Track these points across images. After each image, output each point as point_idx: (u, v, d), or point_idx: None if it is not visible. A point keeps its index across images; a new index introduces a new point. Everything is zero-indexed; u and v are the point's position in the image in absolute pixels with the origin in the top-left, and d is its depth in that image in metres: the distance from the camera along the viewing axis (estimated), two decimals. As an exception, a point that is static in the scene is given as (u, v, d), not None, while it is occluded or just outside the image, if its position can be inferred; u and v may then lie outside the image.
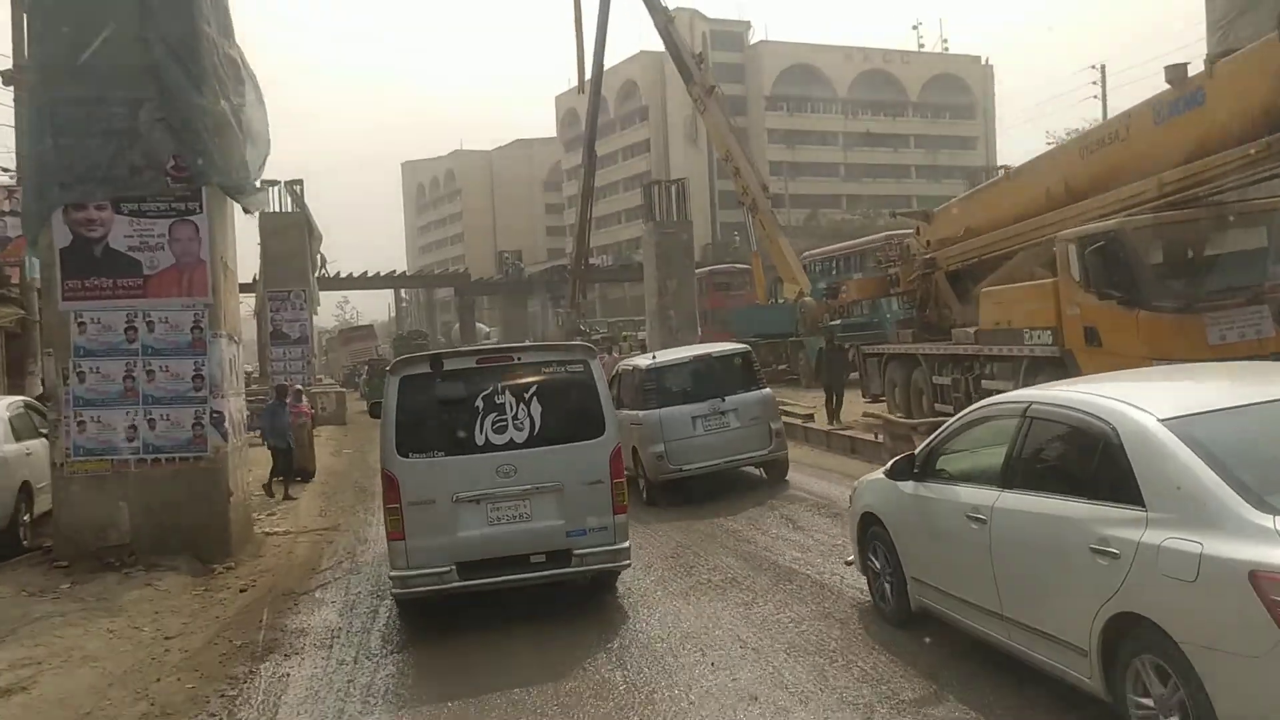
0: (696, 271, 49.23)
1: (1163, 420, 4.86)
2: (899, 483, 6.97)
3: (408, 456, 8.16)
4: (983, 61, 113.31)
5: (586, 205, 57.83)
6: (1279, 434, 4.88)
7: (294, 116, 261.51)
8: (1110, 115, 52.94)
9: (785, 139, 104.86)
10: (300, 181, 38.66)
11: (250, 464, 14.07)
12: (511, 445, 8.24)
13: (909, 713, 5.81)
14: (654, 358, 14.38)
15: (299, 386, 22.43)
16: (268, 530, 13.76)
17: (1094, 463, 5.18)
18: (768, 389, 14.19)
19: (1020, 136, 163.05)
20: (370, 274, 64.16)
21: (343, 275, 63.21)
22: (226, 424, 11.63)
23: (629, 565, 8.93)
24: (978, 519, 5.91)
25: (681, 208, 42.23)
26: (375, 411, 9.56)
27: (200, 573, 10.92)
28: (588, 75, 50.28)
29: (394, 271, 67.58)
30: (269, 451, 17.25)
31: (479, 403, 8.27)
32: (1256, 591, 4.03)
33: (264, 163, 12.61)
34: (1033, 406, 5.87)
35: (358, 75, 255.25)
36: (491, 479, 8.16)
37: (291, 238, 37.95)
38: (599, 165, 79.20)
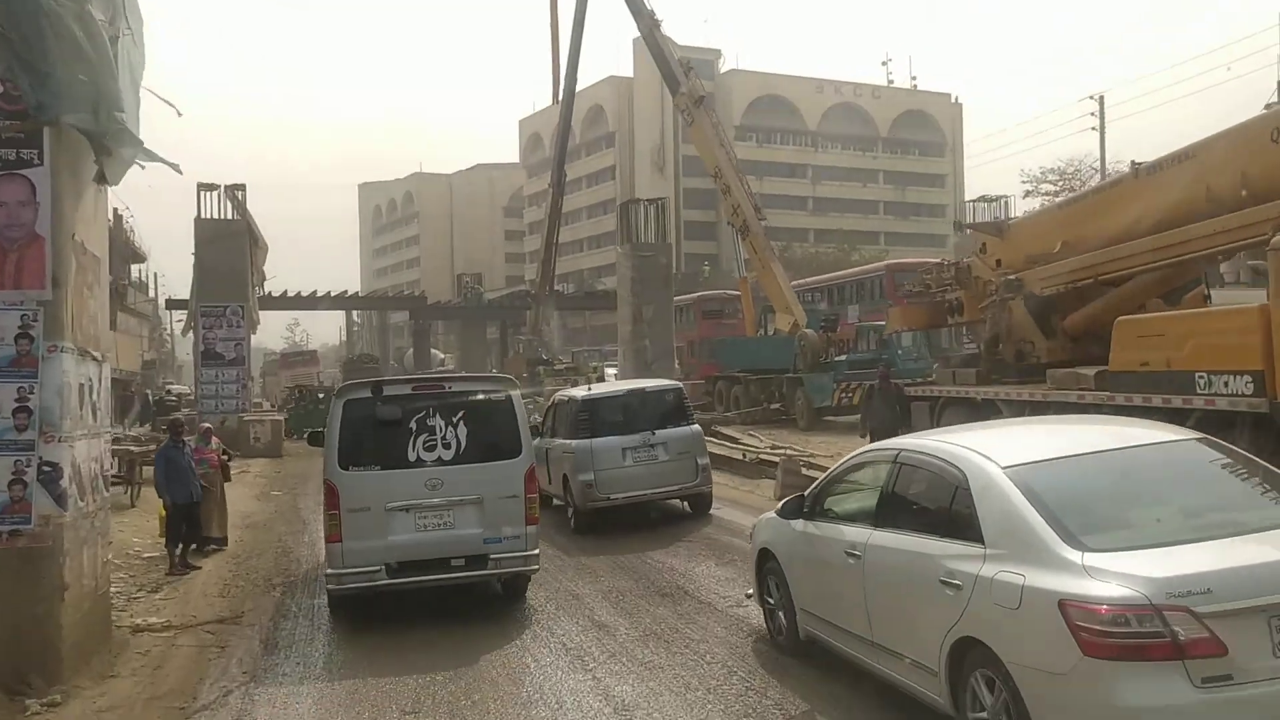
0: (683, 298, 45.79)
1: (1004, 468, 5.49)
2: (790, 521, 7.48)
3: (348, 469, 9.23)
4: (952, 99, 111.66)
5: (554, 225, 54.28)
6: (1101, 481, 5.56)
7: (242, 128, 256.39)
8: (1104, 149, 51.70)
9: (754, 170, 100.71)
10: (242, 187, 34.55)
11: (113, 535, 10.13)
12: (439, 462, 9.39)
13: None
14: (589, 389, 14.94)
15: (206, 424, 18.02)
16: (139, 624, 9.74)
17: (948, 505, 5.76)
18: (697, 425, 14.73)
19: (987, 174, 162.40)
20: (320, 294, 59.78)
21: (291, 294, 58.79)
22: (65, 481, 7.69)
23: (538, 570, 10.06)
24: (854, 554, 6.47)
25: (661, 228, 38.66)
26: (315, 441, 10.27)
27: (3, 711, 7.01)
28: (562, 85, 46.69)
29: (345, 292, 63.22)
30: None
31: (413, 424, 9.38)
32: (1064, 618, 4.66)
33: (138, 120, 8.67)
34: (901, 454, 6.49)
35: (313, 92, 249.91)
36: (420, 491, 9.26)
37: (230, 248, 33.79)
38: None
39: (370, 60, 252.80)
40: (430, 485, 9.27)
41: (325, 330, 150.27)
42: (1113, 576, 4.62)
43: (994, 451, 5.67)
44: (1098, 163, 51.81)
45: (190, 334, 35.61)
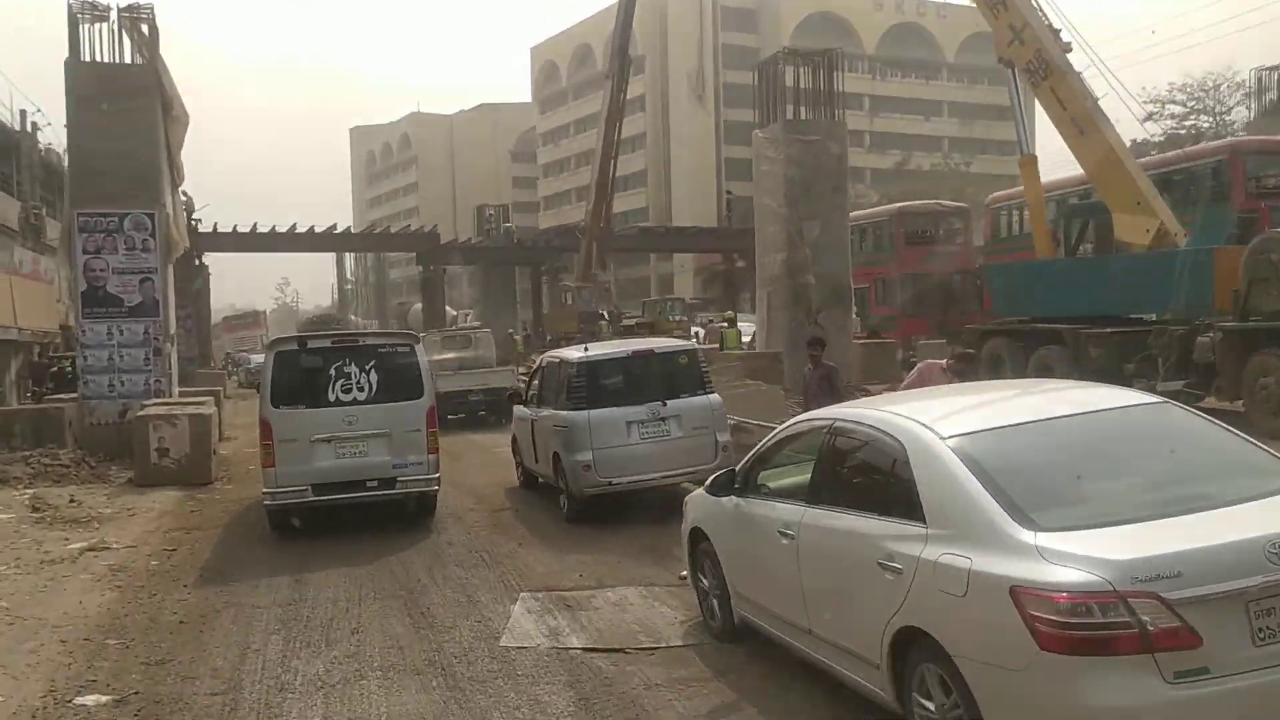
0: (863, 214, 31.45)
1: (946, 438, 4.89)
2: (721, 498, 6.72)
3: (279, 407, 10.94)
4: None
5: (612, 137, 39.56)
6: (1057, 452, 4.93)
7: (215, 65, 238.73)
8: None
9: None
10: (150, 10, 19.86)
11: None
12: (355, 402, 11.02)
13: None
14: (585, 349, 12.09)
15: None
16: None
17: (885, 479, 5.24)
18: (716, 394, 11.68)
19: None
20: (305, 229, 45.14)
21: (264, 230, 44.18)
22: None
23: (438, 490, 11.63)
24: (788, 534, 5.84)
25: (830, 101, 24.05)
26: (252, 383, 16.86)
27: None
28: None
29: (335, 227, 48.47)
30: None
31: (332, 371, 11.03)
32: (1016, 607, 4.04)
33: None
34: (836, 423, 5.88)
35: (298, 28, 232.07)
36: (339, 425, 10.92)
37: (129, 113, 19.26)
38: (581, 128, 59.03)
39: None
40: (347, 421, 10.88)
41: (317, 287, 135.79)
42: (1070, 559, 4.02)
43: (936, 420, 5.10)
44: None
45: (65, 265, 20.87)
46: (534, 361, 36.51)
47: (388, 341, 11.81)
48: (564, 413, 11.29)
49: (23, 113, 37.52)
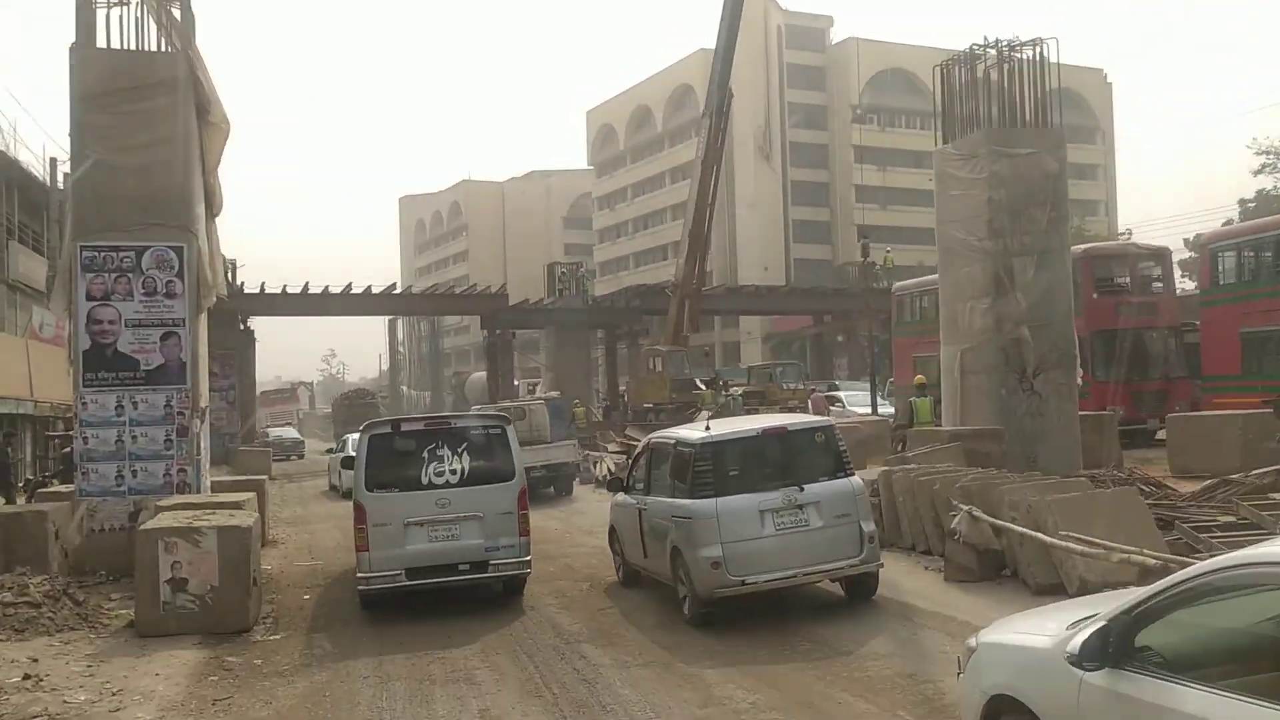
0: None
1: None
2: (1083, 668, 4.80)
3: (373, 491, 10.80)
4: (1104, 77, 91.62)
5: (709, 181, 34.64)
6: None
7: (257, 144, 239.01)
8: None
9: (875, 158, 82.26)
10: (184, -13, 15.15)
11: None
12: (448, 485, 10.86)
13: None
14: (708, 428, 10.35)
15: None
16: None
17: None
18: (857, 477, 10.16)
19: (1141, 167, 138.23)
20: (362, 290, 40.37)
21: (315, 292, 39.48)
22: None
23: (529, 573, 11.31)
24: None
25: (1044, 105, 18.76)
26: (348, 464, 14.53)
27: None
28: None
29: (393, 287, 43.64)
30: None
31: (425, 454, 10.92)
32: None
33: None
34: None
35: (350, 92, 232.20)
36: (432, 509, 10.77)
37: (153, 115, 14.48)
38: (636, 193, 53.52)
39: (405, 65, 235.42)
40: (440, 504, 10.75)
41: (365, 359, 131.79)
42: None
43: None
44: None
45: (65, 313, 15.84)
46: (602, 437, 31.56)
47: (479, 423, 11.72)
48: (685, 501, 9.86)
49: (53, 161, 33.23)
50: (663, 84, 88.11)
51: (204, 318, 15.54)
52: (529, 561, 11.09)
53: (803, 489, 9.52)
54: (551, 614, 10.75)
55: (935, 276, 34.96)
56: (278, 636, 10.33)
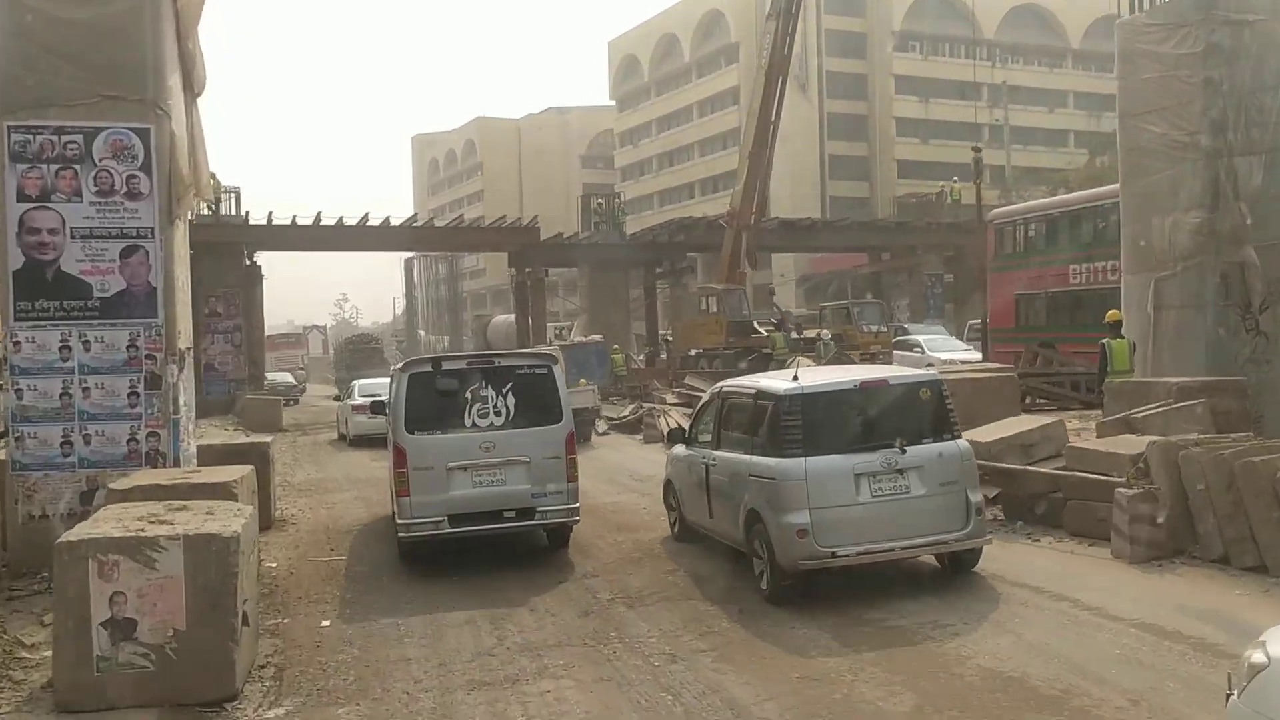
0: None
1: None
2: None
3: (413, 433, 10.04)
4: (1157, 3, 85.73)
5: (773, 94, 30.29)
6: None
7: (267, 77, 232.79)
8: None
9: (917, 89, 77.35)
10: None
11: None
12: (492, 427, 10.13)
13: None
14: (795, 378, 8.90)
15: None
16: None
17: None
18: (964, 440, 8.86)
19: None
20: (380, 221, 36.30)
21: (338, 223, 35.49)
22: None
23: (578, 521, 10.59)
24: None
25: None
26: (379, 409, 13.29)
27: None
28: None
29: (413, 220, 39.43)
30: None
31: (468, 394, 10.15)
32: None
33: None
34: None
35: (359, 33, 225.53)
36: (476, 452, 10.03)
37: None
38: (661, 128, 48.48)
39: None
40: (484, 447, 9.98)
41: (380, 306, 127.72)
42: None
43: None
44: None
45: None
46: (651, 387, 27.76)
47: (525, 362, 10.86)
48: (768, 460, 8.59)
49: None
50: (690, 10, 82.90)
51: (182, 229, 11.56)
52: (577, 509, 10.43)
53: (904, 451, 8.36)
54: (617, 561, 10.23)
55: (1041, 202, 30.92)
56: (281, 711, 6.47)
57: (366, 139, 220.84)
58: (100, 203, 10.55)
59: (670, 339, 38.02)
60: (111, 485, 9.05)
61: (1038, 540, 9.74)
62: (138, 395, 10.55)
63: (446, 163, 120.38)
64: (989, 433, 10.92)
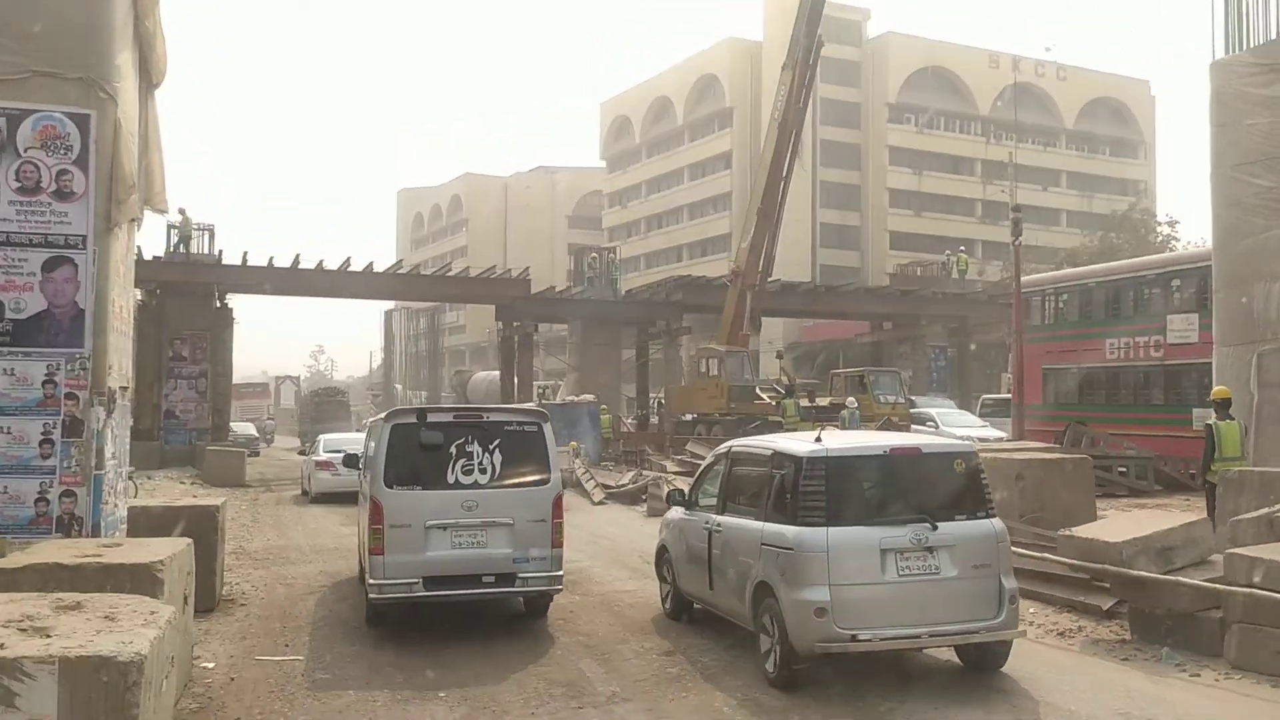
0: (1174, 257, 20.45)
1: None
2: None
3: (393, 488, 9.29)
4: (1149, 90, 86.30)
5: (785, 147, 28.80)
6: None
7: (255, 133, 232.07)
8: None
9: (911, 162, 76.71)
10: None
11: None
12: (476, 485, 9.43)
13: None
14: (819, 439, 8.13)
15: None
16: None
17: None
18: (998, 519, 8.00)
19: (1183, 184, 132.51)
20: (364, 267, 34.24)
21: (318, 267, 33.42)
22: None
23: (561, 590, 9.83)
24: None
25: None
26: (351, 463, 11.93)
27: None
28: None
29: (399, 265, 37.38)
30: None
31: (453, 449, 9.45)
32: None
33: None
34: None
35: (346, 89, 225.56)
36: (457, 511, 9.32)
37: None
38: (650, 190, 47.19)
39: (406, 58, 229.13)
40: (466, 506, 9.37)
41: (356, 358, 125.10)
42: None
43: None
44: None
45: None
46: (641, 454, 25.76)
47: (514, 418, 10.13)
48: (784, 528, 7.75)
49: None
50: (685, 74, 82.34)
51: (123, 242, 9.43)
52: (561, 577, 9.77)
53: (935, 527, 7.58)
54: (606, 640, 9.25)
55: (1075, 271, 29.26)
56: None
57: (351, 192, 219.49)
58: (21, 202, 8.46)
59: (663, 402, 35.96)
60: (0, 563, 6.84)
61: (1196, 675, 7.60)
62: (52, 444, 8.37)
63: (432, 217, 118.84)
64: (1111, 530, 8.89)
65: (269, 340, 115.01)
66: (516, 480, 9.56)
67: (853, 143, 77.87)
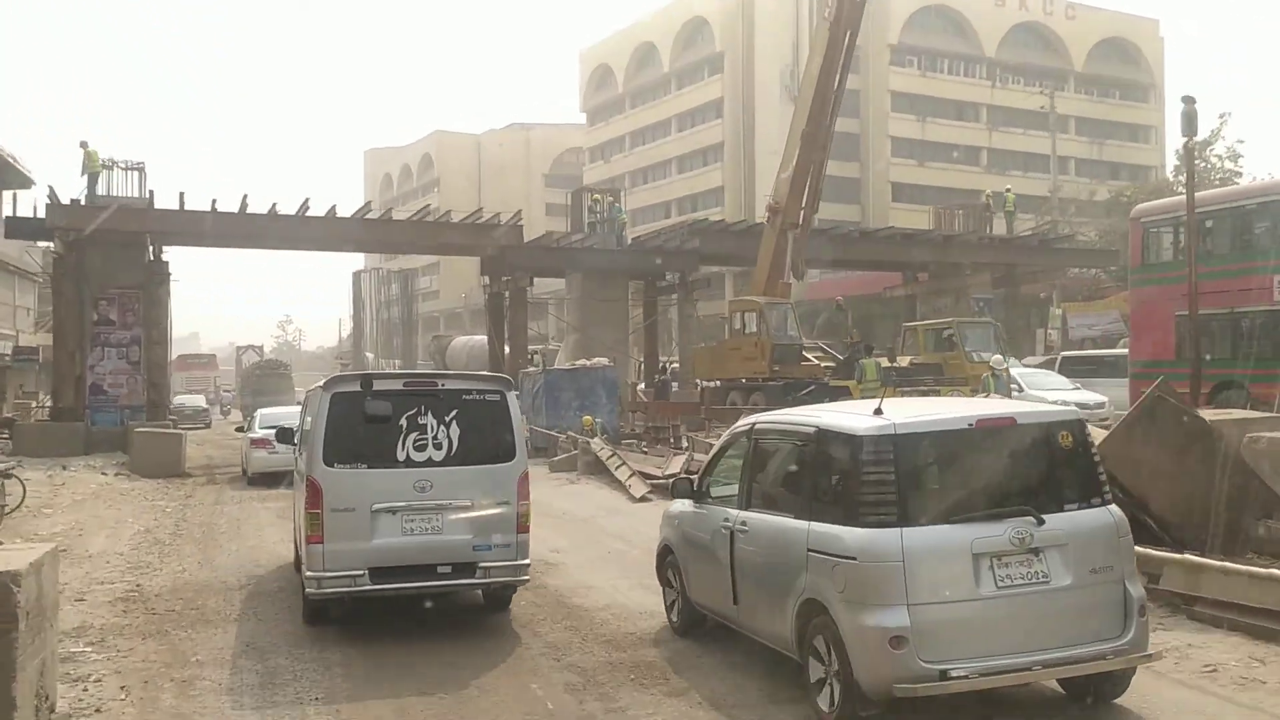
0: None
1: None
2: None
3: (333, 466, 8.23)
4: (1158, 30, 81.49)
5: (836, 58, 23.41)
6: None
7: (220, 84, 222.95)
8: None
9: (914, 107, 71.58)
10: None
11: None
12: (430, 463, 8.34)
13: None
14: (879, 411, 6.13)
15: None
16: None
17: None
18: (1115, 506, 6.22)
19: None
20: (326, 211, 28.70)
21: (271, 210, 27.86)
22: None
23: (527, 581, 8.91)
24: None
25: None
26: (285, 438, 10.68)
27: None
28: None
29: (367, 208, 31.80)
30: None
31: (403, 422, 8.32)
32: None
33: None
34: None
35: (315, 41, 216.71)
36: (409, 492, 8.25)
37: None
38: (635, 142, 42.22)
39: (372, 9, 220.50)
40: (419, 487, 8.27)
41: (325, 331, 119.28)
42: None
43: None
44: None
45: None
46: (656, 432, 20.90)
47: (474, 386, 8.86)
48: (841, 530, 5.93)
49: None
50: (671, 17, 76.53)
51: None
52: (527, 567, 8.61)
53: (1041, 522, 5.77)
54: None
55: (1219, 191, 24.22)
56: None
57: (314, 153, 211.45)
58: None
59: (676, 366, 30.80)
60: None
61: None
62: None
63: (401, 177, 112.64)
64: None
65: (238, 315, 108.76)
66: (477, 457, 8.48)
67: (851, 87, 72.31)
